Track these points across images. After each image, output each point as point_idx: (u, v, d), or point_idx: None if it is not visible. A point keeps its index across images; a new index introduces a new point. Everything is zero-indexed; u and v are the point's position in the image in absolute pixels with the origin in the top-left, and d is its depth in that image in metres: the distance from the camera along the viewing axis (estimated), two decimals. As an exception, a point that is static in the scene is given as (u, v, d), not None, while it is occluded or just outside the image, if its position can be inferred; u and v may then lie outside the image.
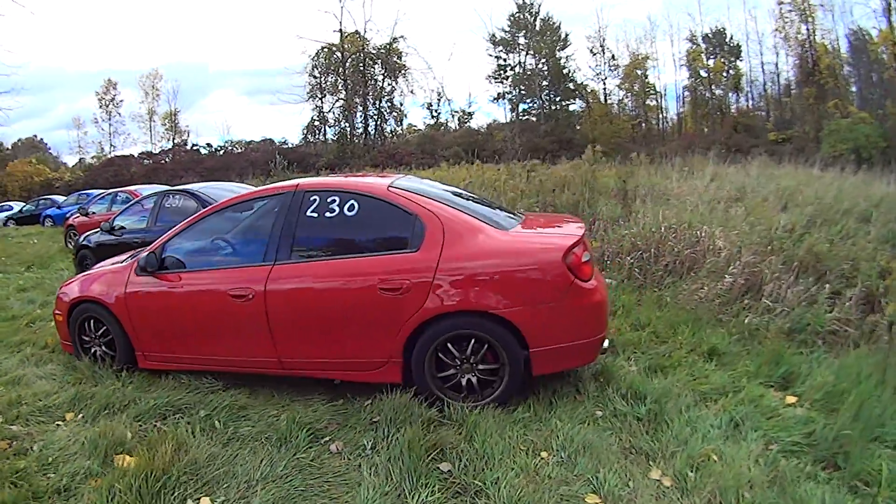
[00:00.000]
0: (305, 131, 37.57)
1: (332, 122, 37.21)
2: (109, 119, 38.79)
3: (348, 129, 36.52)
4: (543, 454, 2.32)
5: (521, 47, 37.08)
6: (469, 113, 38.61)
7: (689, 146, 15.44)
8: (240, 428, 2.67)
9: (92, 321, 3.34)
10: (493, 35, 36.96)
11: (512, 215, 3.27)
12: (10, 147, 40.25)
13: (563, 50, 36.49)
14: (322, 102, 36.84)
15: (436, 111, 38.19)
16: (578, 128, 35.26)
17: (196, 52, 58.02)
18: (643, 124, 35.53)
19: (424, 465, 2.21)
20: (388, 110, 37.55)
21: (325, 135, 37.41)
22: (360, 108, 36.62)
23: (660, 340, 3.58)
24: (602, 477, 2.12)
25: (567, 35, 36.46)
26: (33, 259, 9.38)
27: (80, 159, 39.41)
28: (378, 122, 37.31)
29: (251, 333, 2.93)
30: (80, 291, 3.38)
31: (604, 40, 35.66)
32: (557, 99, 37.09)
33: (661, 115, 37.00)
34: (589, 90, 36.34)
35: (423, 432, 2.38)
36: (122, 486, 2.10)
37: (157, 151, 37.90)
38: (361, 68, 36.15)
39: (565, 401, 2.77)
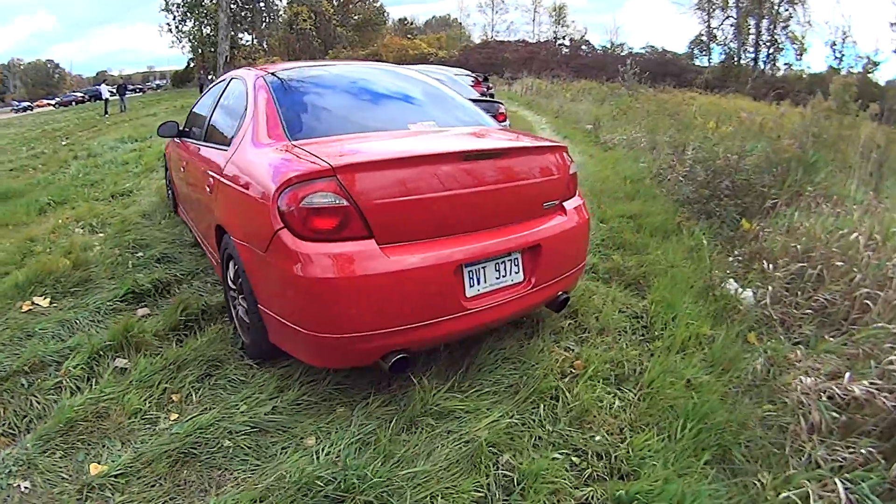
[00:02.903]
0: (691, 46, 36.72)
1: (721, 40, 35.45)
2: (493, 6, 43.90)
3: (737, 51, 34.43)
4: (174, 416, 1.85)
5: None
6: (875, 62, 30.64)
7: None
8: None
9: (167, 169, 4.36)
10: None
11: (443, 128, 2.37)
12: (418, 24, 48.87)
13: None
14: (710, 17, 35.09)
15: (839, 52, 31.96)
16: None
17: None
18: None
19: (105, 357, 2.17)
20: (785, 40, 33.57)
21: (710, 52, 36.11)
22: (754, 32, 33.79)
23: (633, 428, 1.79)
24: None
25: None
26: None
27: (492, 38, 43.12)
28: (771, 51, 33.92)
29: (191, 202, 3.25)
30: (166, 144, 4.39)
31: None
32: None
33: None
34: None
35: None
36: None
37: (533, 42, 39.69)
38: (758, -13, 31.86)
39: (356, 394, 1.96)
